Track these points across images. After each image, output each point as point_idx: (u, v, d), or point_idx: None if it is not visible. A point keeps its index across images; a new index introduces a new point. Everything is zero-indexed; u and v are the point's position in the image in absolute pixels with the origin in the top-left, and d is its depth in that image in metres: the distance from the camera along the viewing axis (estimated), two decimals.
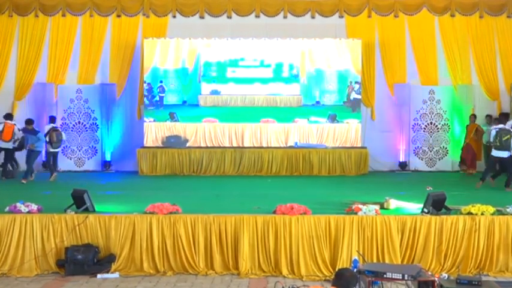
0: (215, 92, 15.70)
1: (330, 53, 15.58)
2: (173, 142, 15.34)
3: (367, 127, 15.79)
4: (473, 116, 14.78)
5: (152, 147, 15.16)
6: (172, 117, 15.46)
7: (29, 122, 13.68)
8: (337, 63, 15.63)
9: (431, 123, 15.57)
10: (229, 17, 15.66)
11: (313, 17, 15.68)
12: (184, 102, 15.73)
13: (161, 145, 15.29)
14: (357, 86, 15.53)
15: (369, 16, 15.70)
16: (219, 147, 15.27)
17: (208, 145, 15.38)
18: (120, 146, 15.79)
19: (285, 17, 15.66)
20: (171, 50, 15.60)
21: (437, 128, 15.60)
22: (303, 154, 14.90)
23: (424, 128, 15.58)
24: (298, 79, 15.70)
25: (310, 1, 15.61)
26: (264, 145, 15.37)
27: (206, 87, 15.74)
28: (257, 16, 15.66)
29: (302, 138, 15.42)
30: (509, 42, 15.76)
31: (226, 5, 15.61)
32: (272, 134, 15.47)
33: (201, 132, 15.46)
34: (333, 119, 15.52)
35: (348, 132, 15.49)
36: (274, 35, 15.47)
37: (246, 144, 15.38)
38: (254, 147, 15.25)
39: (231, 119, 15.57)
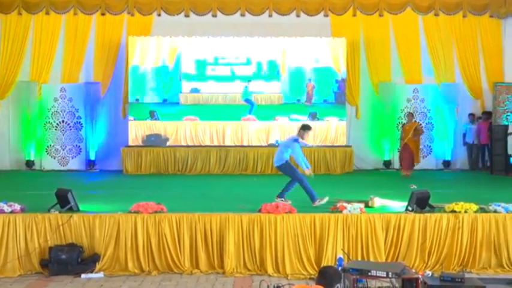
0: (195, 90, 15.64)
1: (311, 51, 15.61)
2: (153, 141, 15.29)
3: (352, 126, 15.86)
4: (411, 115, 14.39)
5: (137, 146, 15.10)
6: (152, 116, 15.39)
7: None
8: (319, 62, 15.66)
9: (415, 121, 15.64)
10: (214, 15, 15.64)
11: (298, 16, 15.71)
12: (165, 100, 15.62)
13: (141, 144, 15.23)
14: (338, 85, 15.62)
15: (354, 15, 15.76)
16: (201, 146, 15.27)
17: (189, 144, 15.35)
18: (105, 145, 15.71)
19: (270, 15, 15.67)
20: (151, 48, 15.49)
21: (422, 127, 15.67)
22: None
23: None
24: (279, 77, 15.70)
25: (295, 0, 15.62)
26: (245, 143, 15.40)
27: (187, 85, 15.68)
28: (242, 15, 15.64)
29: (283, 136, 15.38)
30: (492, 41, 15.93)
31: (211, 3, 15.58)
32: (253, 133, 15.49)
33: (182, 131, 15.42)
34: (313, 116, 15.56)
35: (328, 130, 15.56)
36: (259, 34, 15.48)
37: (227, 143, 15.39)
38: (239, 146, 15.25)
39: (212, 117, 15.54)
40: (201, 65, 15.62)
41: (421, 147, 15.56)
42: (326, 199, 9.55)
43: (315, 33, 15.57)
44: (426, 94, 15.72)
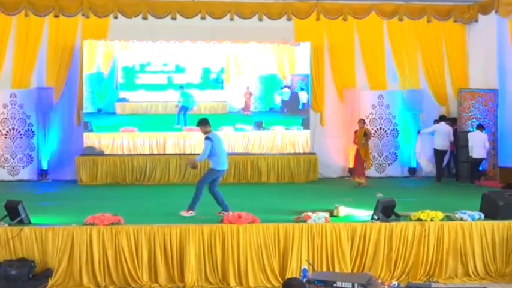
0: (123, 100, 15.36)
1: (256, 57, 15.67)
2: (86, 154, 14.98)
3: (316, 132, 15.97)
4: (362, 121, 14.19)
5: (92, 155, 14.88)
6: (85, 127, 15.10)
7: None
8: (263, 68, 15.72)
9: (380, 128, 15.89)
10: (173, 18, 15.57)
11: (260, 20, 15.77)
12: (100, 110, 15.32)
13: None
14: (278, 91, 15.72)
15: (318, 19, 15.90)
16: (160, 154, 15.10)
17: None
18: (58, 154, 15.43)
19: (231, 19, 15.68)
20: (84, 53, 15.20)
21: (387, 134, 15.93)
22: (251, 161, 14.94)
23: (374, 134, 15.85)
24: (221, 85, 15.57)
25: (257, 3, 15.70)
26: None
27: (124, 94, 15.34)
28: (203, 18, 15.61)
29: (228, 147, 15.10)
30: (457, 46, 16.31)
31: (170, 6, 15.52)
32: (196, 143, 15.15)
33: (118, 143, 15.14)
34: (258, 126, 15.56)
35: (274, 139, 15.55)
36: (220, 38, 15.49)
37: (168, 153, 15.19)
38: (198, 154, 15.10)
39: (152, 127, 15.30)
40: (131, 71, 15.29)
41: (386, 154, 15.85)
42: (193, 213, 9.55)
43: (278, 38, 15.71)
44: (391, 100, 15.95)
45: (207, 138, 9.74)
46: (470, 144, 14.28)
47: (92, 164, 14.67)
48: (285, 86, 15.80)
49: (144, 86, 15.35)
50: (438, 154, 14.85)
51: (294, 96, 15.83)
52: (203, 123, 9.92)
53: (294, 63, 15.75)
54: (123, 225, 8.48)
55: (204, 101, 15.56)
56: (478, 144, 14.21)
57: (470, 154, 14.30)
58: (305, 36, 15.86)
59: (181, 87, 15.44)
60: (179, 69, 15.42)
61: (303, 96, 15.87)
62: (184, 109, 15.46)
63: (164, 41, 15.40)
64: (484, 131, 14.53)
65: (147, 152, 15.19)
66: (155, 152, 15.22)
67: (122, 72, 15.28)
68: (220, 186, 13.85)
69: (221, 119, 15.43)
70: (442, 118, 15.16)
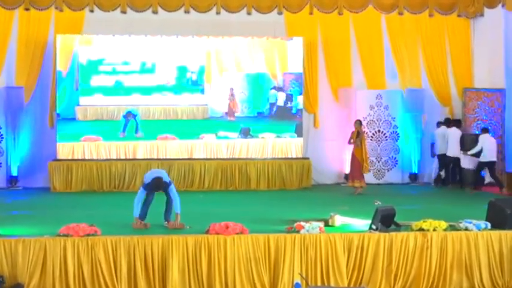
0: (75, 103, 15.12)
1: (242, 54, 15.53)
2: (60, 159, 14.83)
3: (310, 135, 15.99)
4: (359, 122, 14.06)
5: (66, 160, 14.81)
6: None
7: None
8: (251, 66, 15.58)
9: (379, 131, 15.94)
10: (154, 12, 15.54)
11: (249, 14, 15.77)
12: (57, 115, 15.11)
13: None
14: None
15: (311, 13, 15.93)
16: (140, 159, 15.02)
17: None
18: (29, 159, 15.36)
19: (217, 13, 15.67)
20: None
21: (386, 137, 15.98)
22: (239, 166, 14.93)
23: (372, 137, 15.92)
24: (200, 87, 15.37)
25: None
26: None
27: (85, 98, 14.97)
28: (186, 11, 15.60)
29: (211, 154, 15.12)
30: (461, 43, 16.39)
31: None
32: (172, 153, 15.02)
33: (79, 153, 14.88)
34: (245, 133, 15.38)
35: (263, 149, 15.38)
36: (206, 33, 15.48)
37: None
38: (184, 159, 15.09)
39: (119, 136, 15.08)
40: (87, 70, 15.00)
41: (385, 158, 15.89)
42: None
43: (269, 34, 15.72)
44: (390, 100, 16.01)
45: (169, 185, 9.78)
46: (443, 140, 15.03)
47: (66, 170, 14.60)
48: (274, 87, 15.68)
49: (101, 89, 14.95)
50: (440, 159, 15.14)
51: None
52: (157, 187, 9.81)
53: (285, 60, 15.69)
54: (100, 237, 8.46)
55: (182, 105, 15.28)
56: (451, 143, 14.78)
57: (444, 152, 15.00)
58: (297, 31, 15.88)
59: (128, 112, 14.94)
60: (146, 70, 15.04)
61: (280, 97, 15.65)
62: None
63: (134, 35, 15.28)
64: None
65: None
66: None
67: (91, 69, 15.04)
68: (206, 193, 13.99)
69: (201, 126, 15.23)
70: (445, 121, 15.32)
